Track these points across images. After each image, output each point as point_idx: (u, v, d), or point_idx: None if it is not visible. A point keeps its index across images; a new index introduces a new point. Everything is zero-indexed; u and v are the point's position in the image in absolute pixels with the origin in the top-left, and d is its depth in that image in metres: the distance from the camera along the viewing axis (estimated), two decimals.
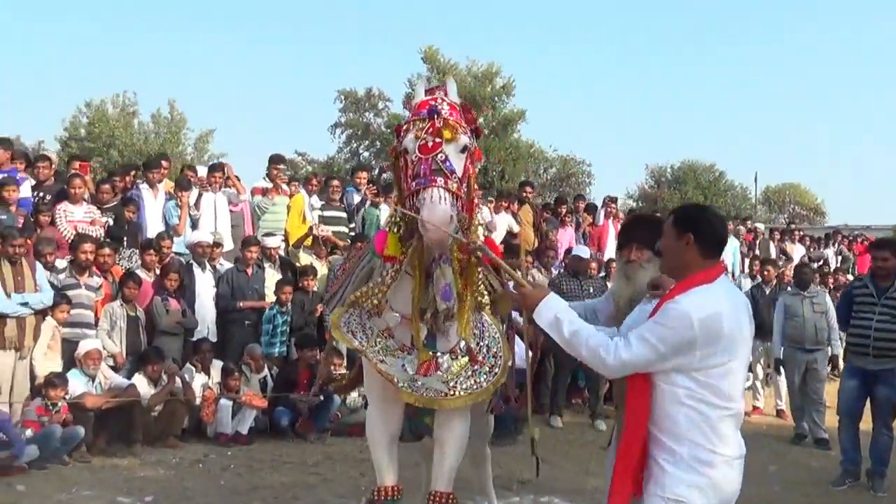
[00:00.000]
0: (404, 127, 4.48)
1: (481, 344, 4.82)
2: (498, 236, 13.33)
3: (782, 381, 11.46)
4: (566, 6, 62.27)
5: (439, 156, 4.22)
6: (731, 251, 16.85)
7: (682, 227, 3.75)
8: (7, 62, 59.58)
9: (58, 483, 7.90)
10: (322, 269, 11.31)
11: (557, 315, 3.79)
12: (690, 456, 3.60)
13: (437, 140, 4.25)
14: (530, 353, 5.40)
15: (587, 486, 7.89)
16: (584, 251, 12.27)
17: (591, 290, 11.14)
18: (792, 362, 10.64)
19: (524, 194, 14.49)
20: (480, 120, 37.35)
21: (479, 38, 59.26)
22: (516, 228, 13.47)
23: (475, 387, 4.70)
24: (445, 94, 4.54)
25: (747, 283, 14.19)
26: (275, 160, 12.37)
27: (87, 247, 9.45)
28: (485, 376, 4.74)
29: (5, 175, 10.23)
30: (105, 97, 39.19)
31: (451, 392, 4.65)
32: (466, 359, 4.74)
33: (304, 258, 11.43)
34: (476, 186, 4.69)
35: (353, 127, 40.51)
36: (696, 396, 3.59)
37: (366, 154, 41.29)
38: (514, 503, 7.72)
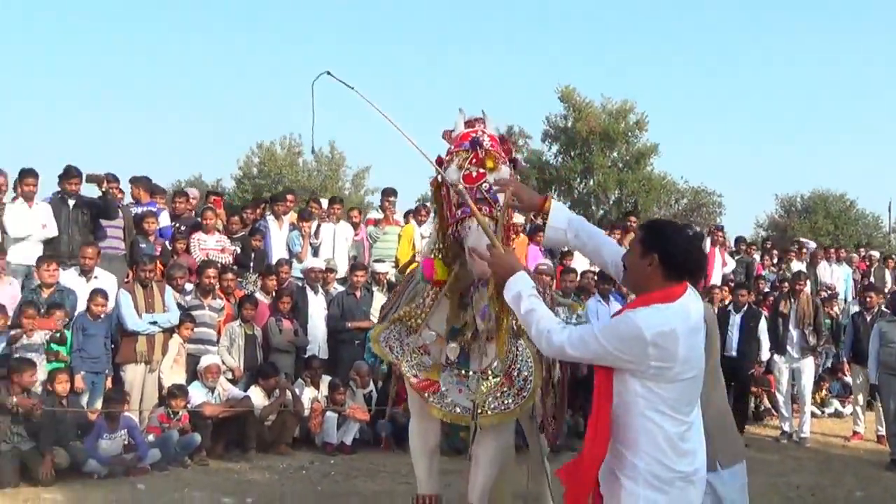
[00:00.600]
0: (446, 158, 4.38)
1: (513, 367, 4.71)
2: None
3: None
4: (697, 41, 60.62)
5: (483, 185, 4.12)
6: (844, 278, 15.96)
7: (647, 246, 3.43)
8: (190, 107, 62.85)
9: (174, 483, 8.14)
10: None
11: (521, 291, 3.56)
12: (648, 471, 3.31)
13: (481, 170, 4.16)
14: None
15: None
16: None
17: None
18: (888, 388, 9.93)
19: (629, 223, 14.18)
20: (615, 153, 37.61)
21: (613, 75, 58.40)
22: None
23: (502, 408, 4.61)
24: (485, 127, 4.44)
25: (855, 310, 13.36)
26: (387, 193, 12.60)
27: (211, 272, 9.82)
28: (512, 399, 4.65)
29: (145, 209, 10.77)
30: (274, 139, 40.80)
31: (479, 411, 4.56)
32: (498, 379, 4.65)
33: None
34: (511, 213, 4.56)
35: None
36: (655, 407, 3.31)
37: None
38: None
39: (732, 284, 12.76)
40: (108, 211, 10.11)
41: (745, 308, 11.34)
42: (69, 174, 10.05)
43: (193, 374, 9.45)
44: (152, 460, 8.49)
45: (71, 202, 10.02)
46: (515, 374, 4.70)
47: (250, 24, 64.44)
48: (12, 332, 8.42)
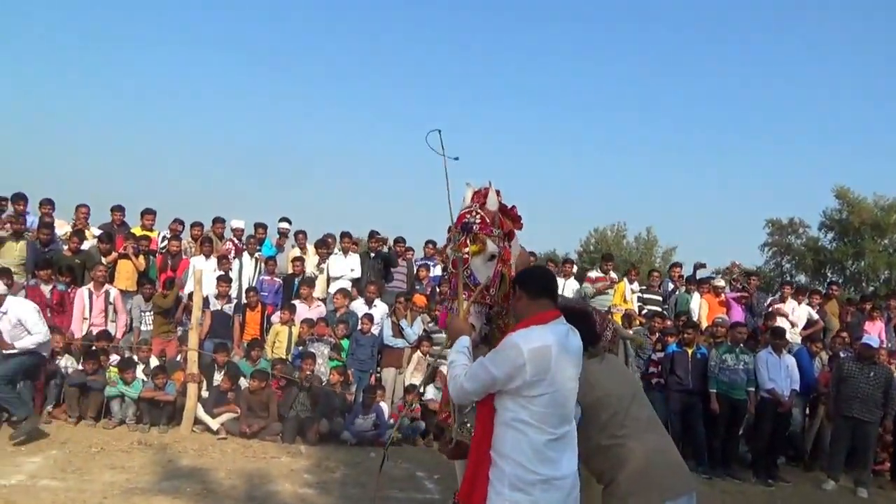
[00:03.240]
0: (448, 235, 3.74)
1: None
2: (800, 322, 10.77)
3: None
4: None
5: (466, 272, 3.50)
6: None
7: (515, 285, 3.16)
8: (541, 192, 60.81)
9: (396, 455, 7.87)
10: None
11: (457, 350, 3.08)
12: (513, 474, 2.79)
13: (466, 255, 3.52)
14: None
15: None
16: (873, 341, 9.28)
17: (872, 374, 8.39)
18: None
19: (831, 291, 11.51)
20: (885, 241, 31.85)
21: (886, 175, 49.20)
22: (815, 317, 10.71)
23: None
24: (482, 205, 3.65)
25: None
26: (605, 258, 11.56)
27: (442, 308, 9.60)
28: None
29: (423, 262, 10.96)
30: (606, 224, 40.41)
31: None
32: None
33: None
34: (512, 274, 3.77)
35: (778, 246, 36.38)
36: (521, 419, 2.81)
37: (787, 266, 36.83)
38: None
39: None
40: (392, 262, 10.44)
41: None
42: (372, 236, 10.59)
43: (430, 378, 9.15)
44: (389, 437, 8.39)
45: (372, 255, 10.52)
46: None
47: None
48: (306, 336, 8.94)
